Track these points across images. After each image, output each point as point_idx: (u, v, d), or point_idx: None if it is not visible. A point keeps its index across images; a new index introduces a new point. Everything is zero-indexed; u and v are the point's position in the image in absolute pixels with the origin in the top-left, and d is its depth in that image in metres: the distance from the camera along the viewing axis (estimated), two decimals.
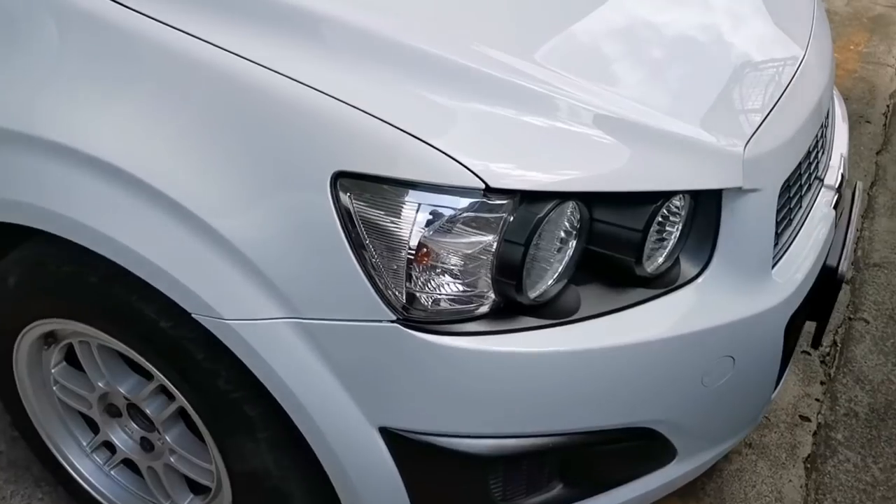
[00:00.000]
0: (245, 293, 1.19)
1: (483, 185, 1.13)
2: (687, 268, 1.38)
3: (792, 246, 1.56)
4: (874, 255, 2.75)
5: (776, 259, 1.49)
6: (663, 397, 1.36)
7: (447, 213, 1.14)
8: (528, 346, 1.22)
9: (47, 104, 1.23)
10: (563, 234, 1.24)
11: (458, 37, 1.28)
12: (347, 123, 1.14)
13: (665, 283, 1.35)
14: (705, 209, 1.36)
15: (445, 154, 1.13)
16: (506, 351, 1.21)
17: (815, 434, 2.08)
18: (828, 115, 1.81)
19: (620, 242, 1.28)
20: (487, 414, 1.25)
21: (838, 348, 2.35)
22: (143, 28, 1.20)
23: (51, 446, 1.68)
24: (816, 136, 1.65)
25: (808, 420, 2.11)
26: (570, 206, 1.22)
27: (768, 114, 1.44)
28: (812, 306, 1.65)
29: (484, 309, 1.21)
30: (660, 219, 1.30)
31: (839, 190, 1.77)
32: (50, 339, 1.53)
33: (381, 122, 1.14)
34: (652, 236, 1.29)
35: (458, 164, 1.13)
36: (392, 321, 1.17)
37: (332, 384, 1.22)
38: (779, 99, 1.49)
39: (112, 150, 1.19)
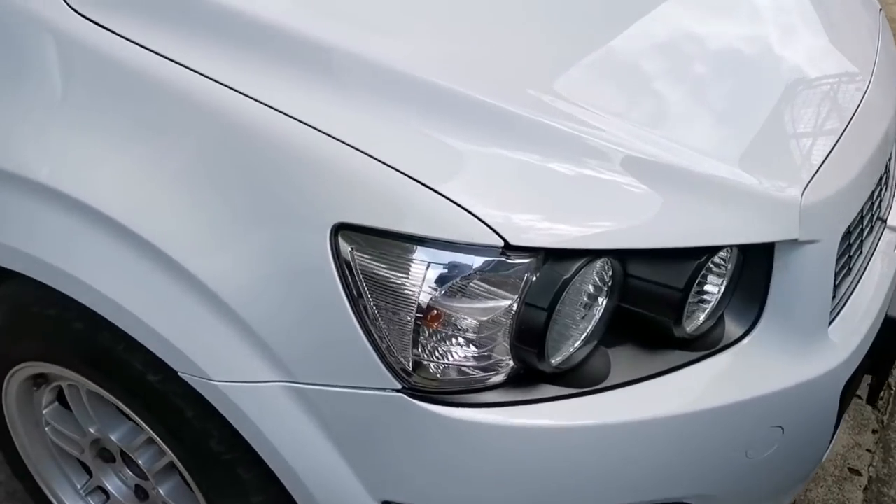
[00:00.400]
0: (235, 353, 1.07)
1: (502, 242, 1.00)
2: (731, 328, 1.23)
3: (851, 299, 1.40)
4: None
5: (833, 315, 1.33)
6: (702, 472, 1.22)
7: (461, 272, 1.01)
8: (550, 419, 1.08)
9: (23, 139, 1.12)
10: (592, 291, 1.11)
11: (476, 69, 1.14)
12: (350, 168, 1.01)
13: (706, 344, 1.20)
14: (754, 262, 1.21)
15: (460, 206, 1.00)
16: (524, 424, 1.07)
17: (865, 489, 1.92)
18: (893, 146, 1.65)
19: (658, 301, 1.13)
20: (502, 492, 1.11)
21: (893, 392, 2.18)
22: (128, 56, 1.08)
23: (44, 487, 1.58)
24: (881, 173, 1.49)
25: (859, 474, 1.95)
26: (600, 263, 1.08)
27: (829, 153, 1.28)
28: (871, 360, 1.50)
29: (500, 377, 1.07)
30: (703, 273, 1.15)
31: None
32: (40, 379, 1.43)
33: (388, 167, 1.01)
34: (693, 293, 1.15)
35: (474, 217, 1.00)
36: (397, 390, 1.04)
37: (331, 454, 1.10)
38: (841, 134, 1.33)
39: (93, 191, 1.08)
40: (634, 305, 1.14)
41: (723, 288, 1.20)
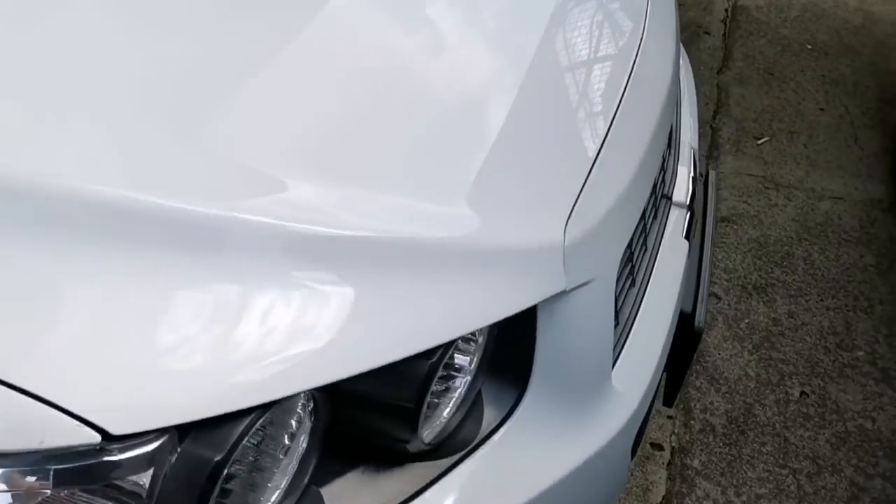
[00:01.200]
0: None
1: (98, 436, 0.62)
2: (491, 413, 0.93)
3: (636, 321, 1.13)
4: (720, 206, 2.40)
5: (617, 351, 1.06)
6: None
7: (36, 494, 0.62)
8: None
9: None
10: (291, 434, 0.76)
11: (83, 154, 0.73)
12: None
13: (457, 446, 0.90)
14: (513, 324, 0.90)
15: (27, 394, 0.61)
16: None
17: (669, 465, 1.75)
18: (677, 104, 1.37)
19: (383, 419, 0.81)
20: None
21: None
22: None
23: None
24: (663, 150, 1.21)
25: (661, 448, 1.78)
26: (303, 397, 0.74)
27: (594, 160, 0.97)
28: (667, 358, 1.25)
29: None
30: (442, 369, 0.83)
31: (691, 206, 1.35)
32: None
33: None
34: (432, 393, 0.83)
35: (52, 408, 0.61)
36: None
37: None
38: (608, 131, 1.02)
39: None
40: (353, 428, 0.81)
41: (473, 370, 0.89)
